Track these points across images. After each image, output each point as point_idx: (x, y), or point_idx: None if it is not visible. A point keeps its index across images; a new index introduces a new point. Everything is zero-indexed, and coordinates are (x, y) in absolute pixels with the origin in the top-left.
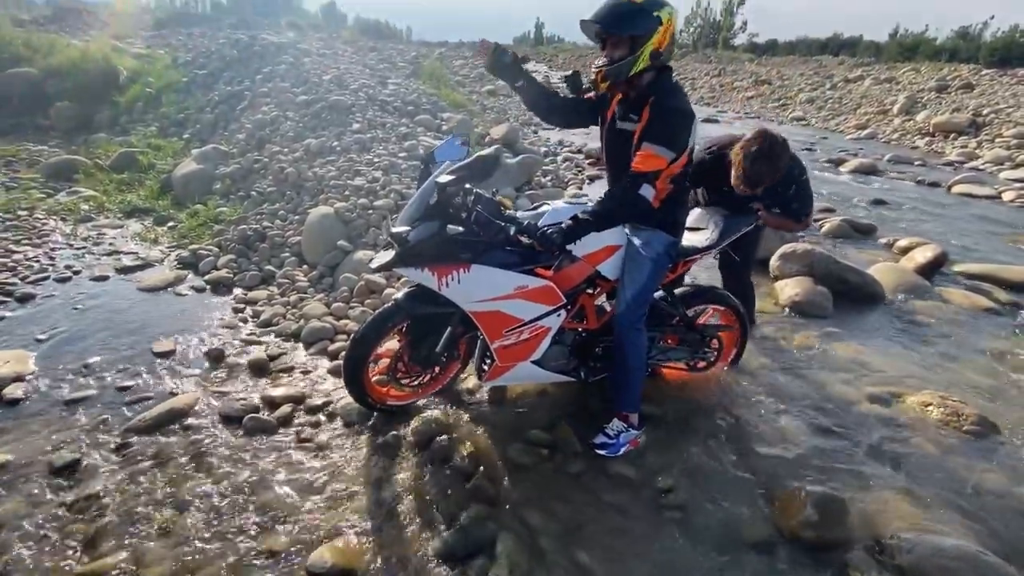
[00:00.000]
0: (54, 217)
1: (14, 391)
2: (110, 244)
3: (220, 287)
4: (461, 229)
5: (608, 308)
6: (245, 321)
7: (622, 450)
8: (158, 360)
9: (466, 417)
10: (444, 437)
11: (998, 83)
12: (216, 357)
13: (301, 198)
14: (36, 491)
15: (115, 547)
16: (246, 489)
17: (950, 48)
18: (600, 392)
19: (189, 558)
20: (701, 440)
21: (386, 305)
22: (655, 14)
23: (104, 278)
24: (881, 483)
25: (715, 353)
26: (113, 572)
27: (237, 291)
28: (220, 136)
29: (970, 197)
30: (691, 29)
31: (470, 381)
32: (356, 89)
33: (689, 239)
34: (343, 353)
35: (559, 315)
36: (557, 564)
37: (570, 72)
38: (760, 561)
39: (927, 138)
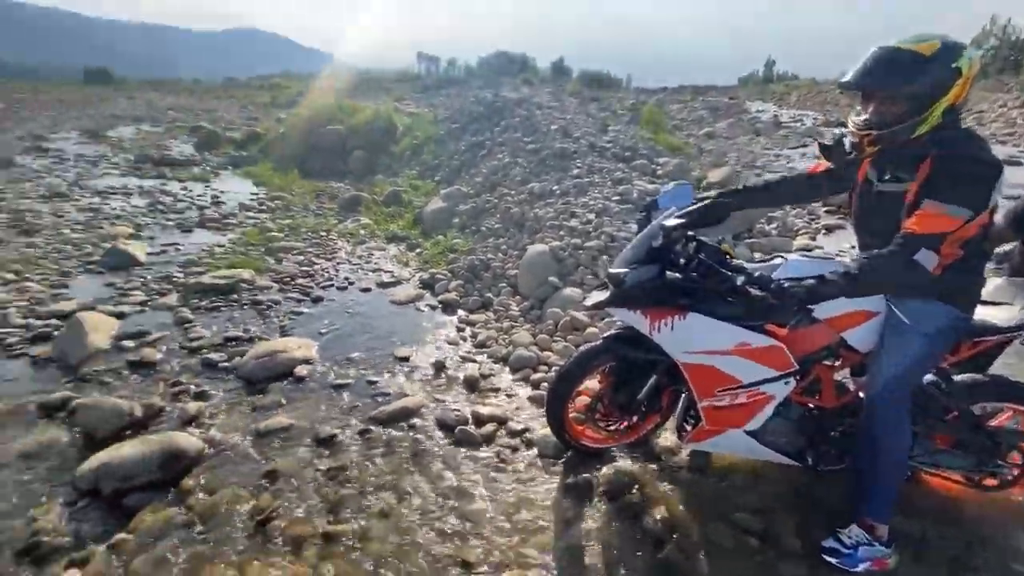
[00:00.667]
0: (342, 239)
1: (301, 371)
2: (376, 263)
3: (448, 307)
4: (680, 276)
5: (850, 386)
6: (464, 340)
7: (860, 567)
8: (398, 363)
9: (662, 477)
10: (636, 492)
11: None
12: (439, 368)
13: (521, 235)
14: (304, 454)
15: (349, 517)
16: (451, 495)
17: None
18: (834, 486)
19: (400, 544)
20: None
21: (593, 343)
22: (953, 65)
23: (368, 290)
24: None
25: (1014, 470)
26: (344, 539)
27: (461, 312)
28: (462, 179)
29: None
30: (981, 51)
31: (669, 438)
32: (578, 137)
33: (984, 315)
34: (546, 384)
35: (786, 383)
36: None
37: (829, 141)
38: None
39: None
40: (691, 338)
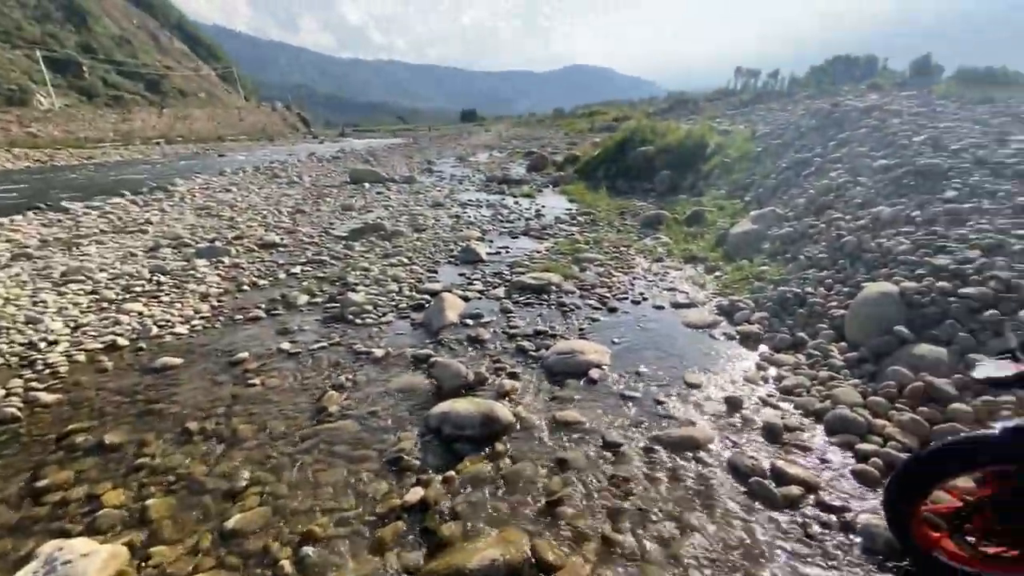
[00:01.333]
0: (640, 255)
1: (594, 374)
2: (670, 282)
3: (749, 340)
4: None
5: None
6: (767, 380)
7: None
8: (687, 388)
9: None
10: None
11: None
12: (733, 405)
13: (855, 269)
14: (592, 453)
15: (628, 529)
16: (739, 548)
17: None
18: None
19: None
20: None
21: (985, 431)
22: None
23: (661, 308)
24: None
25: None
26: (622, 549)
27: (764, 348)
28: (778, 200)
29: None
30: None
31: None
32: (958, 150)
33: None
34: (891, 463)
35: None
36: None
37: None
38: None
39: None
40: None
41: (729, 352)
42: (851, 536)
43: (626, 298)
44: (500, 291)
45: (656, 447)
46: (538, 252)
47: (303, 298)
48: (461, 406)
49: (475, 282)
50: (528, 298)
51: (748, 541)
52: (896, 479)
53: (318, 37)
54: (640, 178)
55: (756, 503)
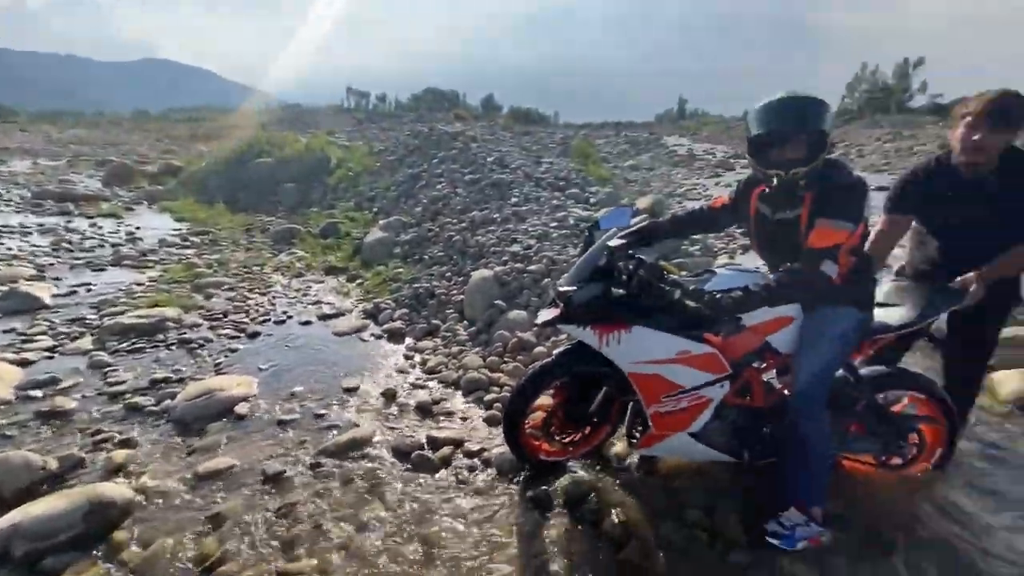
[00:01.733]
0: (277, 272)
1: (242, 409)
2: (314, 295)
3: (395, 336)
4: (624, 292)
5: (776, 386)
6: (414, 367)
7: (799, 545)
8: (345, 394)
9: (616, 484)
10: (594, 499)
11: None
12: (390, 396)
13: (465, 262)
14: (251, 493)
15: (307, 553)
16: (411, 520)
17: None
18: (772, 480)
19: (362, 574)
20: (902, 556)
21: (546, 361)
22: (828, 113)
23: (309, 323)
24: None
25: (913, 449)
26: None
27: (408, 340)
28: (401, 209)
29: None
30: (855, 95)
31: (620, 447)
32: (515, 168)
33: (880, 316)
34: (499, 404)
35: (722, 386)
36: None
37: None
38: None
39: None
40: (637, 349)
41: (379, 351)
42: (490, 469)
43: (268, 320)
44: (86, 341)
45: (322, 460)
46: (139, 284)
47: None
48: (42, 507)
49: (37, 337)
50: (134, 343)
51: (417, 506)
52: (505, 413)
53: None
54: (264, 192)
55: (419, 473)
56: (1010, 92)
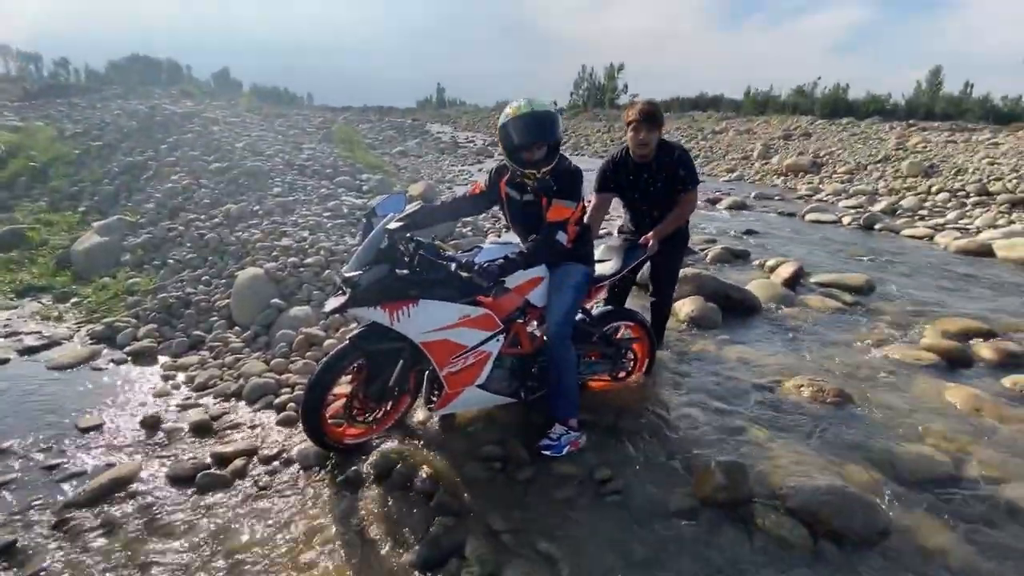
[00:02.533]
0: None
1: None
2: (4, 326)
3: (143, 357)
4: (407, 271)
5: (538, 334)
6: (178, 387)
7: (565, 450)
8: (86, 435)
9: (421, 445)
10: (402, 466)
11: (828, 131)
12: (152, 424)
13: (226, 262)
14: None
15: None
16: (210, 541)
17: (791, 103)
18: (541, 409)
19: None
20: (628, 436)
21: (339, 346)
22: (560, 115)
23: (5, 361)
24: (770, 448)
25: (631, 363)
26: None
27: (164, 359)
28: (124, 207)
29: (818, 223)
30: (580, 91)
31: (420, 414)
32: (271, 155)
33: (598, 269)
34: (293, 403)
35: (498, 340)
36: (522, 556)
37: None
38: (688, 525)
39: (782, 177)
40: (426, 320)
41: (125, 377)
42: (292, 466)
43: None
44: None
45: (72, 515)
46: None
47: None
48: None
49: None
50: None
51: (214, 525)
52: (302, 407)
53: None
54: None
55: (209, 493)
56: (651, 101)
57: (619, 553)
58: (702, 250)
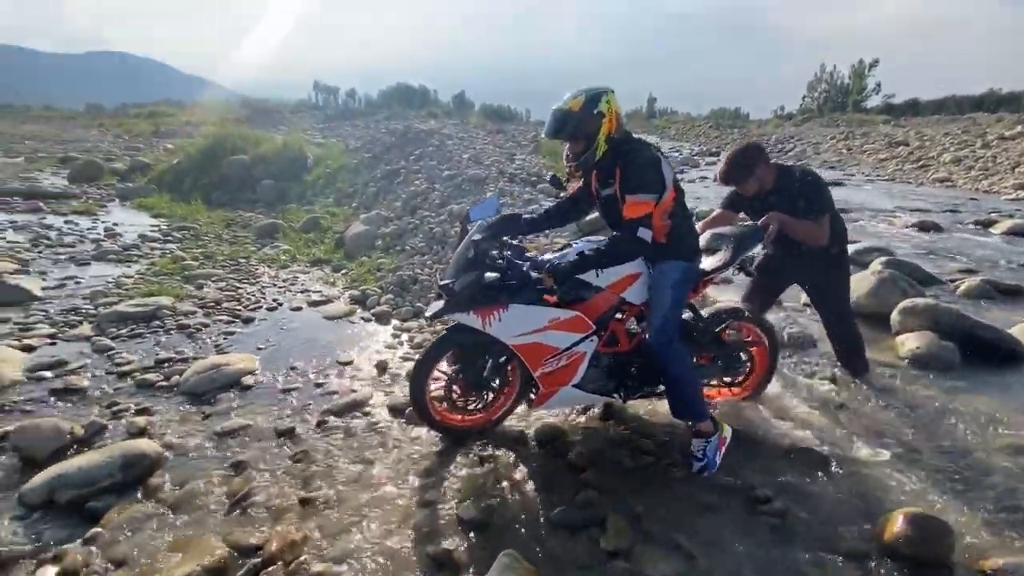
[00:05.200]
0: (263, 264)
1: (248, 380)
2: (302, 285)
3: (382, 318)
4: (497, 275)
5: (636, 331)
6: (401, 344)
7: (718, 460)
8: (341, 367)
9: (581, 427)
10: (560, 439)
11: None
12: (382, 367)
13: (445, 251)
14: (267, 446)
15: (321, 486)
16: (410, 459)
17: None
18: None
19: (373, 499)
20: (801, 464)
21: (440, 335)
22: (595, 111)
23: (299, 309)
24: (986, 515)
25: (747, 367)
26: (321, 501)
27: (395, 321)
28: (381, 204)
29: None
30: (815, 94)
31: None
32: (489, 164)
33: (706, 261)
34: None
35: (592, 340)
36: (657, 543)
37: (551, 175)
38: (856, 569)
39: None
40: (515, 324)
41: (369, 331)
42: None
43: (260, 307)
44: (85, 329)
45: (328, 418)
46: (128, 277)
47: None
48: (82, 461)
49: (35, 325)
50: (133, 329)
51: (416, 450)
52: (410, 380)
53: None
54: (240, 188)
55: (413, 425)
56: (734, 152)
57: (764, 571)
58: (952, 281)
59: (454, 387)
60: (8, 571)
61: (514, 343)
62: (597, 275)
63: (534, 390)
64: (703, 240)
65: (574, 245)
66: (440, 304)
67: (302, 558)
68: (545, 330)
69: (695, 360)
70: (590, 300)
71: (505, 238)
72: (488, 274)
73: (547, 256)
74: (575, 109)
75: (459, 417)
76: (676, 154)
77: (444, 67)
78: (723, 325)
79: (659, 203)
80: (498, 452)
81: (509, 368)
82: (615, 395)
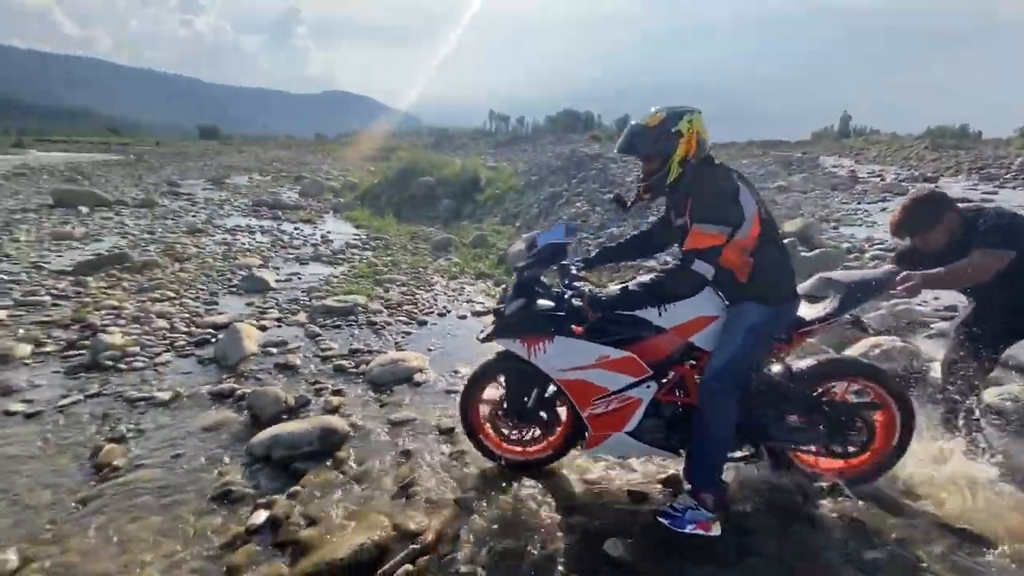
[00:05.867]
0: (437, 274)
1: (419, 377)
2: (468, 295)
3: None
4: (553, 304)
5: None
6: None
7: (687, 528)
8: None
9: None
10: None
11: None
12: None
13: (601, 272)
14: (431, 441)
15: (473, 490)
16: (562, 480)
17: None
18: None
19: (515, 516)
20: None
21: (490, 358)
22: (673, 130)
23: (464, 317)
24: None
25: (864, 436)
26: (474, 503)
27: None
28: (542, 225)
29: None
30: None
31: None
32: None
33: (806, 310)
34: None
35: (648, 387)
36: None
37: (614, 194)
38: None
39: None
40: (561, 358)
41: None
42: None
43: (432, 312)
44: (301, 317)
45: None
46: (334, 277)
47: (24, 348)
48: (292, 427)
49: (269, 310)
50: (335, 321)
51: (552, 475)
52: (460, 399)
53: None
54: (424, 205)
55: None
56: (915, 198)
57: None
58: None
59: (500, 414)
60: (236, 506)
61: (559, 377)
62: (660, 314)
63: (587, 430)
64: (808, 285)
65: (638, 277)
66: (491, 327)
67: (455, 555)
68: (592, 368)
69: (788, 420)
70: (648, 341)
71: (572, 267)
72: (544, 302)
73: (611, 287)
74: (651, 125)
75: (508, 447)
76: (877, 179)
77: (610, 91)
78: (828, 383)
79: (734, 238)
80: (654, 488)
81: (559, 403)
82: (679, 452)
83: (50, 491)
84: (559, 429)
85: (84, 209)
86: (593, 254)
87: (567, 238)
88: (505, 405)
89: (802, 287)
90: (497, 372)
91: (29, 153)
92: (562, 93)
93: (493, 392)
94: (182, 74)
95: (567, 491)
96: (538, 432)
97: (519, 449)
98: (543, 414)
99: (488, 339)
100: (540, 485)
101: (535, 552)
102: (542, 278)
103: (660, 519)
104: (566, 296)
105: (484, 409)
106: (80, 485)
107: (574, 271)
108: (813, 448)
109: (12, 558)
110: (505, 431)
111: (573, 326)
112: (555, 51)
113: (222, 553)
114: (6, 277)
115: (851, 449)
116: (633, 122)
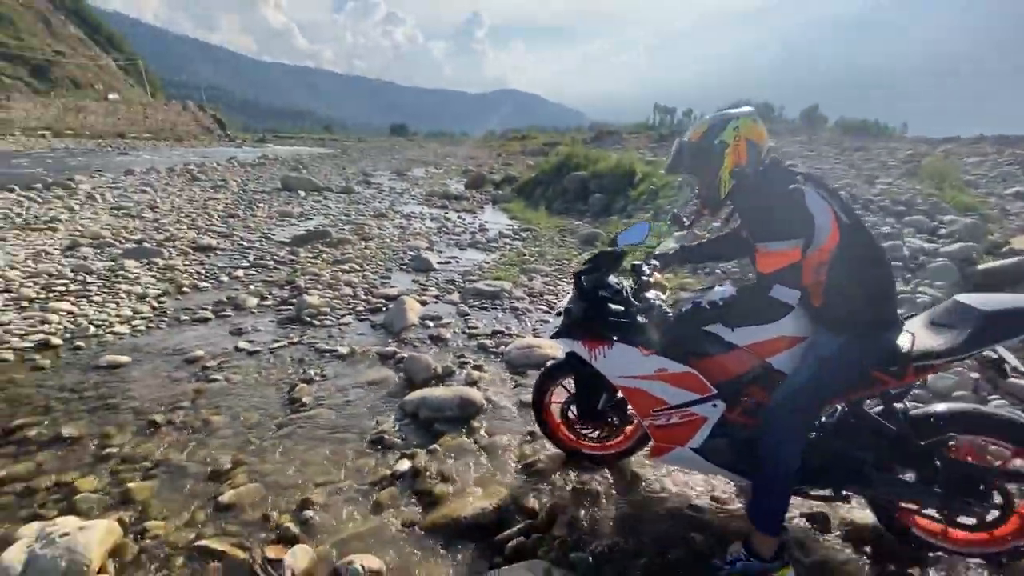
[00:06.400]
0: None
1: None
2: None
3: None
4: (622, 308)
5: None
6: None
7: None
8: None
9: None
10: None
11: None
12: None
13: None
14: None
15: (590, 481)
16: (683, 489)
17: None
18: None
19: (631, 511)
20: None
21: (558, 358)
22: (716, 141)
23: None
24: None
25: (997, 508)
26: (588, 495)
27: None
28: (697, 224)
29: None
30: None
31: None
32: (837, 188)
33: (925, 341)
34: None
35: (714, 406)
36: None
37: (672, 211)
38: None
39: None
40: (620, 364)
41: None
42: None
43: None
44: (455, 296)
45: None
46: (486, 263)
47: (252, 300)
48: (437, 392)
49: (429, 288)
50: (483, 303)
51: (673, 479)
52: (534, 390)
53: (236, 37)
54: (576, 199)
55: None
56: None
57: None
58: None
59: (571, 410)
60: (386, 452)
61: (619, 383)
62: (733, 329)
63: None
64: (942, 309)
65: (715, 289)
66: (557, 327)
67: (568, 540)
68: (651, 379)
69: (889, 473)
70: (715, 358)
71: (645, 267)
72: (613, 306)
73: (684, 295)
74: (693, 139)
75: (584, 444)
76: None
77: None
78: (951, 437)
79: (809, 249)
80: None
81: (628, 407)
82: (744, 475)
83: (258, 413)
84: (630, 429)
85: (302, 193)
86: (672, 252)
87: (642, 238)
88: (576, 404)
89: (934, 311)
90: (563, 371)
91: (268, 147)
92: (733, 81)
93: (563, 391)
94: (381, 79)
95: (696, 505)
96: (606, 430)
97: (592, 444)
98: (613, 416)
99: (554, 338)
100: (666, 491)
101: (647, 556)
102: (610, 279)
103: (710, 567)
104: (634, 306)
105: (555, 408)
106: (278, 412)
107: (646, 271)
108: (922, 509)
109: (227, 461)
110: (577, 428)
111: (640, 346)
112: (731, 38)
113: (370, 490)
114: (246, 244)
115: (978, 523)
116: (679, 138)
